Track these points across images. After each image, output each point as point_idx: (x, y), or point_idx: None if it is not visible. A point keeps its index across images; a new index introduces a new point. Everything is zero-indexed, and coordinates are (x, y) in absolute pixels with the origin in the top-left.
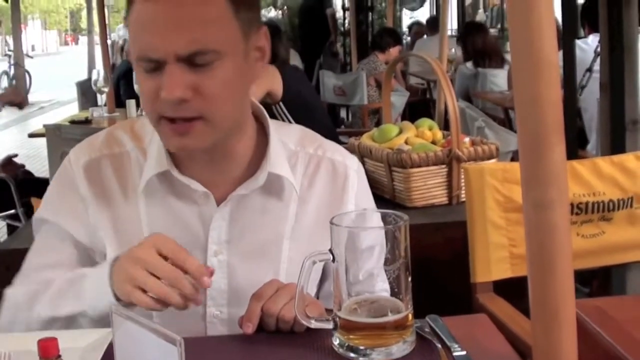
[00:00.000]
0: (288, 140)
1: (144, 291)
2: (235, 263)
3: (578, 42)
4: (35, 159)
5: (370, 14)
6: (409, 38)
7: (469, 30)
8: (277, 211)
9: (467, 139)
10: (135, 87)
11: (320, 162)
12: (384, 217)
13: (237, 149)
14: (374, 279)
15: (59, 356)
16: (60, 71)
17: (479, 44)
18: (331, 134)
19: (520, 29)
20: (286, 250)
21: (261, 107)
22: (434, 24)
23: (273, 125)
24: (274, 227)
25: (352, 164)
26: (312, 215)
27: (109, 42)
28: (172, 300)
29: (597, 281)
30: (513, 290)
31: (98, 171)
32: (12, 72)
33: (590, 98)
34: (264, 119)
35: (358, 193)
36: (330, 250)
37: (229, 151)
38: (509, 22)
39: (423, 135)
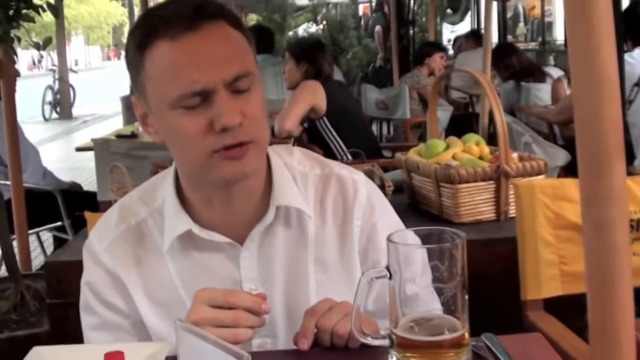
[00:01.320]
0: (294, 162)
1: None
2: (272, 295)
3: (625, 56)
4: (80, 171)
5: (411, 27)
6: (451, 51)
7: (500, 53)
8: (297, 238)
9: (515, 155)
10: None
11: (328, 180)
12: (440, 235)
13: (251, 183)
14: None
15: None
16: (103, 86)
17: (513, 66)
18: (374, 148)
19: (580, 46)
20: (312, 273)
21: None
22: (474, 38)
23: (271, 150)
24: (297, 254)
25: (360, 177)
26: (329, 234)
27: None
28: (244, 337)
29: None
30: (563, 308)
31: (121, 250)
32: (56, 86)
33: (638, 113)
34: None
35: (368, 205)
36: (387, 268)
37: (245, 186)
38: (569, 39)
39: (470, 150)
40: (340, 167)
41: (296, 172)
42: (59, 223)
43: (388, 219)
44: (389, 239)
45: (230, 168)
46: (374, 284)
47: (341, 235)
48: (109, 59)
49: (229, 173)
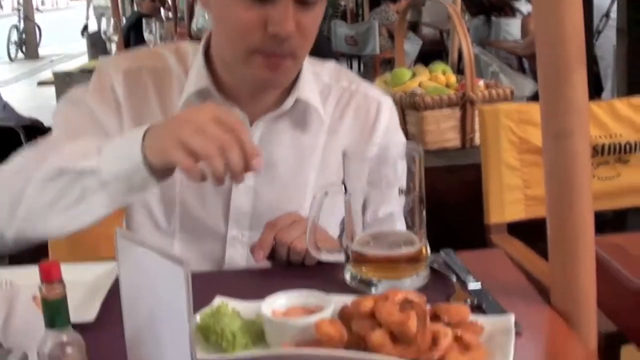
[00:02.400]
0: (323, 73)
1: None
2: (261, 189)
3: None
4: (45, 109)
5: None
6: None
7: None
8: (306, 142)
9: (481, 82)
10: (145, 35)
11: (353, 95)
12: (396, 148)
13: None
14: (394, 219)
15: (61, 280)
16: (70, 26)
17: (482, 2)
18: None
19: None
20: (312, 181)
21: None
22: None
23: (308, 59)
24: (302, 157)
25: (386, 101)
26: (340, 148)
27: None
28: (214, 163)
29: (610, 227)
30: (527, 233)
31: (138, 81)
32: (22, 26)
33: (607, 44)
34: None
35: (388, 130)
36: (343, 182)
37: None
38: None
39: (437, 79)
40: (368, 87)
41: (321, 82)
42: None
43: (400, 138)
44: (344, 153)
45: (264, 74)
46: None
47: (352, 152)
48: None
49: (261, 78)
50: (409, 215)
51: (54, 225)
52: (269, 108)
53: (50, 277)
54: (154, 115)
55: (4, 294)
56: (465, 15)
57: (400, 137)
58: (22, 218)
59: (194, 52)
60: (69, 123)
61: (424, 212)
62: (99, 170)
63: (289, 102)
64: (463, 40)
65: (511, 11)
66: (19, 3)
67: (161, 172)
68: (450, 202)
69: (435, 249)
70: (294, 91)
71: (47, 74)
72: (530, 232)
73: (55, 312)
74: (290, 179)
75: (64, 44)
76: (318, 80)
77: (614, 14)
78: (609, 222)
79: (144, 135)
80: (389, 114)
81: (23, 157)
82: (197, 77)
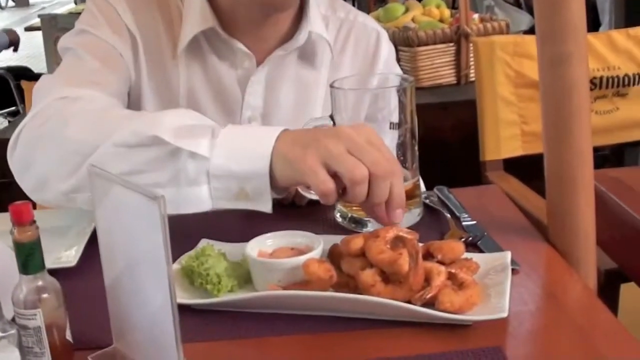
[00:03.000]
0: (319, 3)
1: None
2: None
3: None
4: (35, 59)
5: None
6: None
7: None
8: (310, 77)
9: (475, 16)
10: None
11: (352, 27)
12: (386, 79)
13: (285, 15)
14: None
15: (34, 222)
16: None
17: None
18: None
19: None
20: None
21: None
22: None
23: None
24: (307, 93)
25: (384, 32)
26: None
27: None
28: (358, 194)
29: (609, 164)
30: (523, 170)
31: (140, 9)
32: None
33: None
34: None
35: (388, 62)
36: (331, 116)
37: (279, 15)
38: None
39: (430, 13)
40: (365, 17)
41: (317, 11)
42: (12, 108)
43: (397, 70)
44: (332, 85)
45: None
46: None
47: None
48: None
49: None
50: (400, 150)
51: None
52: (275, 44)
53: (22, 219)
54: (161, 45)
55: None
56: None
57: (397, 69)
58: (84, 177)
59: None
60: (94, 52)
61: (416, 147)
62: (208, 160)
63: (302, 36)
64: None
65: None
66: None
67: (280, 188)
68: (445, 140)
69: (429, 187)
70: (304, 24)
71: (36, 21)
72: (527, 169)
73: (28, 256)
74: (297, 117)
75: None
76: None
77: None
78: (606, 157)
79: (278, 138)
80: (387, 45)
81: (87, 97)
82: (201, 16)
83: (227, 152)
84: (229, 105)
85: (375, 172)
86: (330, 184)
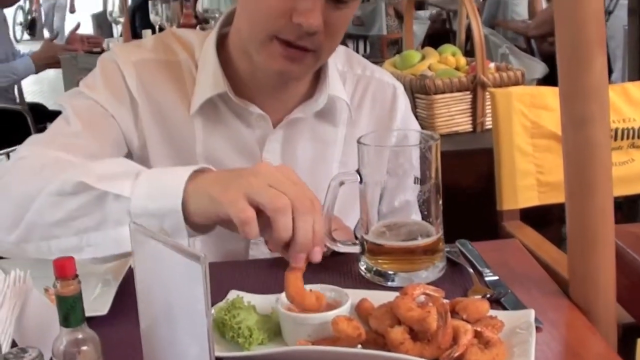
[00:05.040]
0: (336, 60)
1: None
2: None
3: None
4: (47, 93)
5: None
6: None
7: None
8: (328, 134)
9: (492, 65)
10: (152, 17)
11: (369, 83)
12: (406, 136)
13: (299, 82)
14: (410, 208)
15: (77, 276)
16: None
17: None
18: None
19: None
20: (335, 174)
21: None
22: None
23: None
24: (324, 150)
25: (400, 86)
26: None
27: None
28: (283, 220)
29: (621, 212)
30: (539, 219)
31: (150, 74)
32: (27, 6)
33: (617, 25)
34: None
35: (405, 117)
36: (358, 171)
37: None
38: None
39: (446, 61)
40: (381, 72)
41: (335, 70)
42: None
43: (415, 125)
44: (359, 141)
45: (281, 64)
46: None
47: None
48: None
49: (276, 67)
50: (425, 205)
51: (65, 246)
52: (293, 104)
53: (65, 273)
54: (173, 108)
55: (18, 291)
56: None
57: (415, 124)
58: (27, 228)
59: (199, 44)
60: (81, 115)
61: (440, 202)
62: (129, 200)
63: (322, 100)
64: (474, 22)
65: None
66: None
67: (199, 225)
68: (461, 187)
69: (445, 233)
70: (323, 86)
71: None
72: (544, 218)
73: (70, 309)
74: (313, 173)
75: (68, 24)
76: (333, 68)
77: None
78: (619, 204)
79: (191, 177)
80: (404, 100)
81: (38, 154)
82: (213, 79)
83: (146, 191)
84: (246, 163)
85: (298, 207)
86: (249, 212)
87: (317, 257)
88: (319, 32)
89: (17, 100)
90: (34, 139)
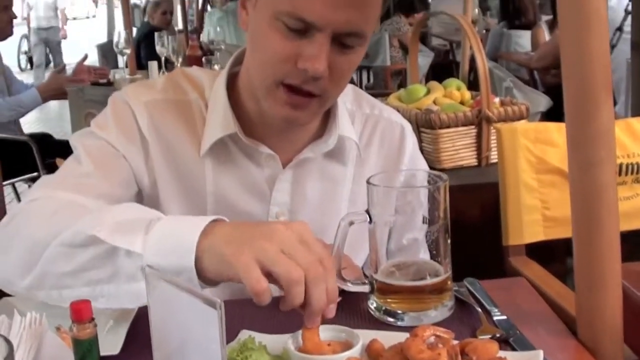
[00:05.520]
0: (345, 99)
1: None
2: None
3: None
4: (53, 122)
5: None
6: None
7: None
8: (337, 173)
9: (496, 99)
10: (158, 48)
11: (378, 122)
12: (414, 175)
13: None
14: (418, 246)
15: (93, 319)
16: (78, 36)
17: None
18: None
19: None
20: (344, 213)
21: None
22: None
23: None
24: (333, 188)
25: (408, 125)
26: (368, 175)
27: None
28: (295, 292)
29: (625, 245)
30: (544, 253)
31: (161, 114)
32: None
33: (620, 58)
34: None
35: (413, 156)
36: (367, 211)
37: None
38: None
39: (451, 95)
40: (390, 111)
41: (345, 109)
42: (34, 174)
43: (423, 164)
44: (368, 182)
45: (285, 110)
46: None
47: (380, 180)
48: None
49: (282, 114)
50: (434, 245)
51: (77, 295)
52: (302, 144)
53: (82, 317)
54: (184, 147)
55: (34, 333)
56: (476, 28)
57: (423, 163)
58: (39, 276)
59: (209, 83)
60: (92, 155)
61: (449, 241)
62: (141, 256)
63: (332, 140)
64: (478, 58)
65: (534, 18)
66: (28, 13)
67: (212, 280)
68: (466, 221)
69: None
70: (333, 127)
71: None
72: (548, 253)
73: (86, 352)
74: (323, 212)
75: (73, 54)
76: (342, 107)
77: (627, 28)
78: (626, 240)
79: (205, 232)
80: (412, 139)
81: (50, 197)
82: (223, 120)
83: (157, 248)
84: (257, 202)
85: (309, 276)
86: (264, 283)
87: (331, 314)
88: (324, 77)
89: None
90: (45, 180)
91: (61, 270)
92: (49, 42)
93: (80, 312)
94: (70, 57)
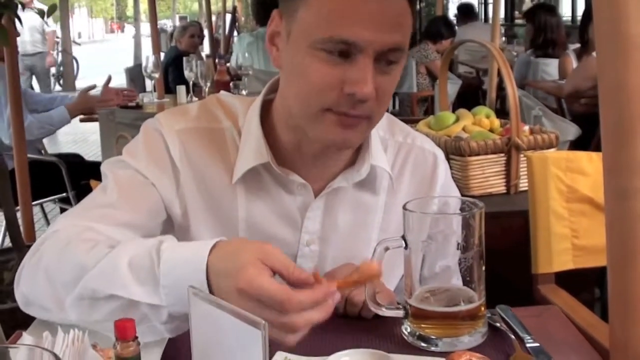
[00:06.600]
0: (378, 126)
1: None
2: (326, 253)
3: None
4: (83, 143)
5: (418, 1)
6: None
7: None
8: (369, 202)
9: (526, 128)
10: (186, 73)
11: (410, 151)
12: (446, 202)
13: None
14: (450, 273)
15: (136, 337)
16: (106, 58)
17: (551, 28)
18: None
19: (605, 10)
20: (375, 241)
21: None
22: (467, 12)
23: None
24: (365, 217)
25: (440, 154)
26: (401, 205)
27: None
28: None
29: None
30: (573, 282)
31: (194, 142)
32: (59, 59)
33: None
34: None
35: (445, 184)
36: (403, 237)
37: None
38: (594, 2)
39: (481, 123)
40: (422, 139)
41: (378, 136)
42: (63, 194)
43: (455, 192)
44: (404, 208)
45: (336, 134)
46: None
47: (413, 207)
48: (112, 31)
49: (332, 138)
50: (468, 272)
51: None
52: (335, 172)
53: (126, 335)
54: (215, 175)
55: (77, 349)
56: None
57: (455, 191)
58: (68, 318)
59: (243, 111)
60: (120, 184)
61: (483, 268)
62: (165, 307)
63: (365, 170)
64: (509, 86)
65: (563, 48)
66: (56, 37)
67: None
68: (495, 249)
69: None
70: (365, 156)
71: None
72: (576, 281)
73: None
74: (354, 240)
75: (101, 76)
76: (375, 135)
77: None
78: None
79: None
80: (444, 167)
81: (68, 226)
82: (256, 149)
83: (177, 299)
84: (288, 229)
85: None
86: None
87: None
88: (372, 98)
89: (43, 151)
90: (70, 211)
91: (90, 319)
92: (35, 69)
93: (125, 330)
94: (94, 79)
